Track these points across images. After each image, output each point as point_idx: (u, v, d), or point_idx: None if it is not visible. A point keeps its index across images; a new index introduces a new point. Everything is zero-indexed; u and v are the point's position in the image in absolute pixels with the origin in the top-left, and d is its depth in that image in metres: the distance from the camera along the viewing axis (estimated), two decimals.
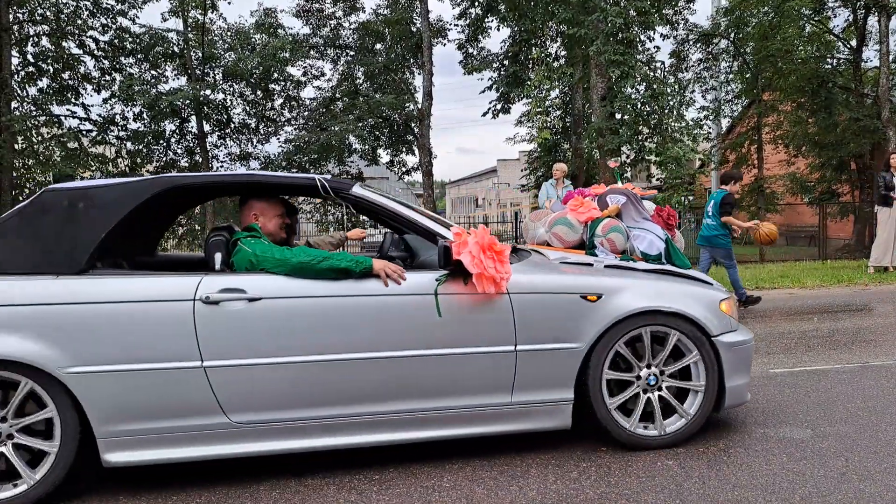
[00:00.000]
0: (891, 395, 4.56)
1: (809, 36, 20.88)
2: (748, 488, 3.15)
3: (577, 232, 4.54)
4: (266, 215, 3.70)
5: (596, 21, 14.30)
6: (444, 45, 20.59)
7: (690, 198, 19.07)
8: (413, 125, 20.02)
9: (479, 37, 19.72)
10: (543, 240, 4.70)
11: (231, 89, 19.31)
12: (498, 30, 19.35)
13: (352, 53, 20.49)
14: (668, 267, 4.18)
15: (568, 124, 20.49)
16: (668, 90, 15.45)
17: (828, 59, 20.99)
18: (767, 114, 21.32)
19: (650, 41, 16.09)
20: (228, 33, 19.38)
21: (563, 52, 19.23)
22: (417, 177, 21.05)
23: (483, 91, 19.38)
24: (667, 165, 15.13)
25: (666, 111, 15.21)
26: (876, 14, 18.33)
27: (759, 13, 19.98)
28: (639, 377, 3.66)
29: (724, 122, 24.16)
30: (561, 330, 3.51)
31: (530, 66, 18.80)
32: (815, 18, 20.39)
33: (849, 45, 20.72)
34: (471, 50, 20.28)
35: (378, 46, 20.61)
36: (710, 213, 8.35)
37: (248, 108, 19.88)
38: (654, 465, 3.45)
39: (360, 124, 18.80)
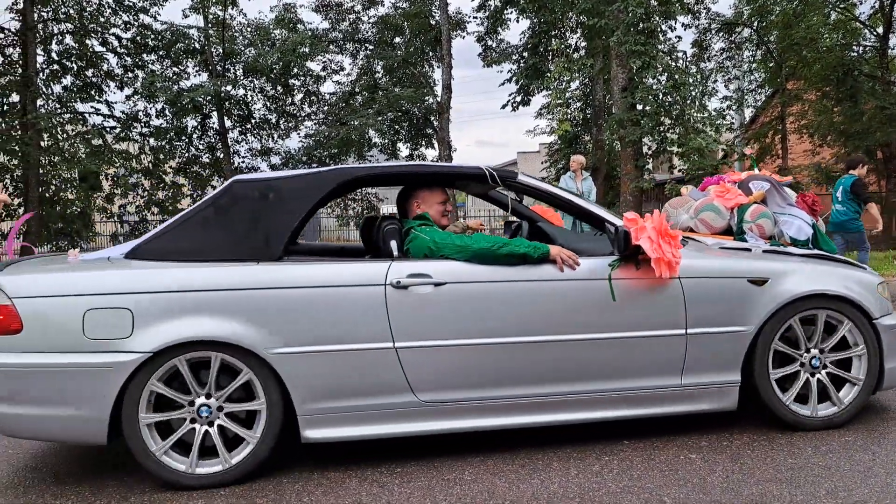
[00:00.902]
0: None
1: (834, 23, 20.51)
2: (772, 482, 3.12)
3: (724, 218, 4.58)
4: (427, 202, 3.84)
5: (616, 11, 14.17)
6: (464, 37, 20.54)
7: None
8: (432, 119, 19.99)
9: (499, 29, 19.60)
10: (687, 226, 4.73)
11: (251, 85, 19.42)
12: (517, 21, 19.18)
13: (371, 47, 20.48)
14: (821, 252, 4.23)
15: (588, 116, 20.33)
16: (690, 80, 15.27)
17: (853, 47, 20.62)
18: (792, 103, 21.00)
19: (671, 31, 15.89)
20: (248, 29, 19.49)
21: (583, 43, 19.08)
22: None
23: (502, 84, 19.28)
24: (689, 156, 14.98)
25: (688, 102, 15.04)
26: None
27: (783, 1, 19.67)
28: (803, 356, 3.75)
29: (748, 112, 23.86)
30: (729, 313, 3.62)
31: (550, 57, 18.67)
32: (841, 5, 20.02)
33: (875, 33, 20.31)
34: (490, 42, 20.17)
35: (397, 40, 20.58)
36: (839, 199, 8.26)
37: (268, 103, 19.98)
38: (678, 459, 3.43)
39: (380, 118, 18.81)
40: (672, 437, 3.74)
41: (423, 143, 21.02)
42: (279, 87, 19.64)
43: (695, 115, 15.19)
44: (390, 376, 3.37)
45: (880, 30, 19.99)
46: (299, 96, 20.34)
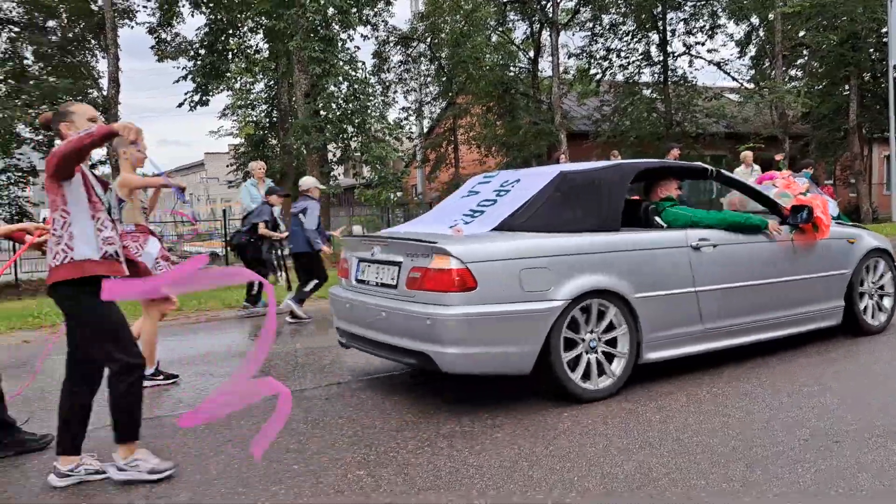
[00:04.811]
0: None
1: (495, 45, 22.88)
2: (432, 490, 3.17)
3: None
4: (668, 189, 5.23)
5: (295, 16, 14.03)
6: (132, 27, 18.66)
7: (399, 193, 19.78)
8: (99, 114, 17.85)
9: (173, 21, 18.16)
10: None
11: None
12: (192, 16, 17.97)
13: (17, 29, 17.63)
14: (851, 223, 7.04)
15: (275, 119, 19.93)
16: (370, 90, 15.75)
17: (511, 68, 23.22)
18: (462, 116, 22.93)
19: (350, 40, 16.21)
20: None
21: (265, 45, 18.61)
22: (107, 169, 18.76)
23: (178, 81, 17.92)
24: (374, 164, 15.45)
25: (369, 111, 15.48)
26: (548, 29, 20.67)
27: (452, 21, 21.39)
28: (871, 284, 5.90)
29: (426, 123, 25.54)
30: (839, 261, 5.58)
31: (230, 57, 17.81)
32: (500, 29, 22.41)
33: (528, 56, 23.12)
34: (164, 35, 18.63)
35: (51, 23, 18.01)
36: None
37: None
38: (345, 479, 3.34)
39: (31, 111, 16.30)
40: (340, 454, 3.64)
41: None
42: None
43: (375, 124, 15.70)
44: (690, 311, 4.72)
45: (532, 54, 22.80)
46: None
